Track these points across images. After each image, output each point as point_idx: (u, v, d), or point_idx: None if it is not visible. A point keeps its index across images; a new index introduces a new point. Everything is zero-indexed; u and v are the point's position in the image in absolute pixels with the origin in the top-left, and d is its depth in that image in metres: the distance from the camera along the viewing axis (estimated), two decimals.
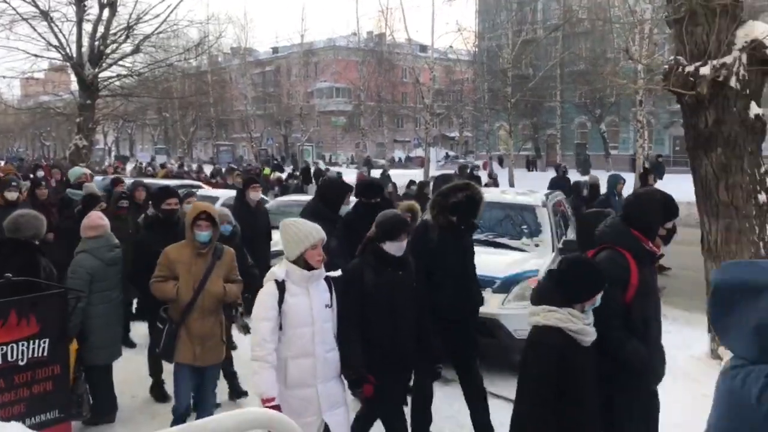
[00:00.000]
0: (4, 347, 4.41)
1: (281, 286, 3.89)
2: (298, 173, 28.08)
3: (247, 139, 58.89)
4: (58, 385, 4.77)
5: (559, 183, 16.81)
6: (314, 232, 3.95)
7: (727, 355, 2.01)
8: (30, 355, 4.56)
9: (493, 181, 21.39)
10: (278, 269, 3.98)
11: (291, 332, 3.89)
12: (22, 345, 4.50)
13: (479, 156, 51.96)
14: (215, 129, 60.62)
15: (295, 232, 3.94)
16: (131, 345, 7.40)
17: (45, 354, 4.64)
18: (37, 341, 4.58)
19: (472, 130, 57.94)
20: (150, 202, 6.99)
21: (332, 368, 4.02)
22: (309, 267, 3.93)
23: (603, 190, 12.38)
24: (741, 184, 6.44)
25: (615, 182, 11.68)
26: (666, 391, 5.81)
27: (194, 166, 34.81)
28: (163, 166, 30.02)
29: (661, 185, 16.17)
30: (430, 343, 4.49)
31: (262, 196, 10.50)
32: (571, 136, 48.60)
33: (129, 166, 37.47)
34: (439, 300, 4.81)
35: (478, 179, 17.74)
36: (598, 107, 42.00)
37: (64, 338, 4.85)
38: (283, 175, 26.42)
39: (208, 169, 31.25)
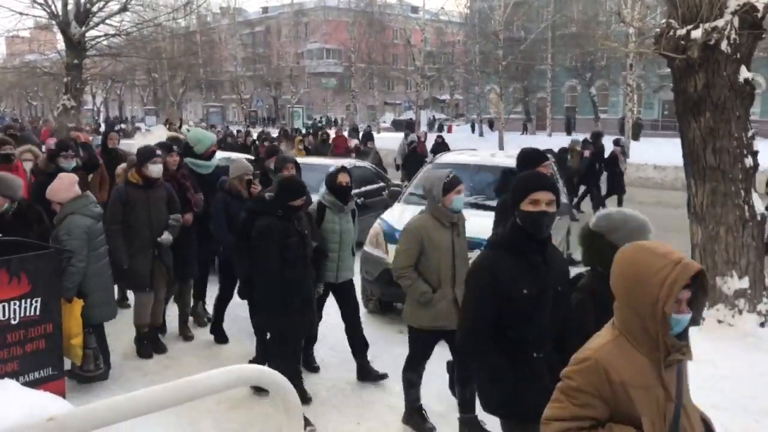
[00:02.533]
0: None
1: None
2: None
3: (237, 100, 58.48)
4: (51, 343, 4.81)
5: None
6: None
7: None
8: (22, 314, 4.60)
9: (621, 149, 15.38)
10: None
11: None
12: (14, 304, 4.54)
13: (469, 119, 51.83)
14: (205, 90, 60.18)
15: None
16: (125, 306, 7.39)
17: (37, 313, 4.68)
18: (29, 300, 4.62)
19: (463, 92, 57.65)
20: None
21: None
22: None
23: None
24: (728, 148, 6.48)
25: None
26: None
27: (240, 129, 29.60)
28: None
29: (650, 149, 16.07)
30: None
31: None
32: (561, 100, 48.46)
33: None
34: None
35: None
36: (588, 71, 41.83)
37: (58, 298, 4.89)
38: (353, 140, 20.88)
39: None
